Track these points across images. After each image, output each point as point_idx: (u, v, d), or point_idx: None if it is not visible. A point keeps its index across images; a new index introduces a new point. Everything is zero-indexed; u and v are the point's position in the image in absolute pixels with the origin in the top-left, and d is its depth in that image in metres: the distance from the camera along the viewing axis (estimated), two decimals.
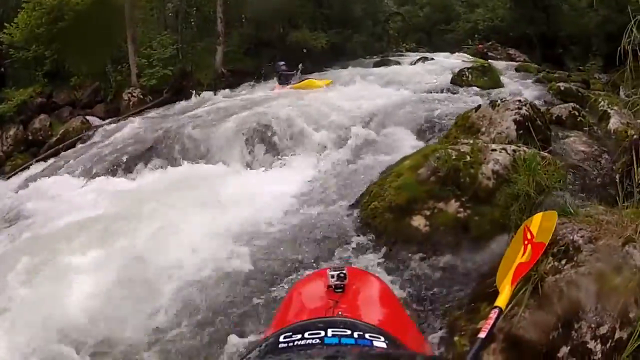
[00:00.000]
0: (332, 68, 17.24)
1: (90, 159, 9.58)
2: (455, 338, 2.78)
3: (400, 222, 4.05)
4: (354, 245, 4.13)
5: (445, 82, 10.11)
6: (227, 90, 14.57)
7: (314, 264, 3.95)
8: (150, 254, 4.30)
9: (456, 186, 4.00)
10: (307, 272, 3.55)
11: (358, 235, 4.25)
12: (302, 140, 7.21)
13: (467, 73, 9.76)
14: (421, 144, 6.23)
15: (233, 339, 3.11)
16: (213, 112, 10.39)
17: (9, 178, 11.87)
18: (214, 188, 5.98)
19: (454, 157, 4.12)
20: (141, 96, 15.41)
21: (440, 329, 3.02)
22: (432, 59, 17.20)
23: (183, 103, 13.71)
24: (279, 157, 7.05)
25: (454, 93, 8.91)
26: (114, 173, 8.37)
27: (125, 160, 8.68)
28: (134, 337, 3.35)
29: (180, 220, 4.92)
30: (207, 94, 14.26)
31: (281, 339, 1.00)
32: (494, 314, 2.13)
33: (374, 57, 20.26)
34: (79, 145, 12.05)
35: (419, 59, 17.48)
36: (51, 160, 11.75)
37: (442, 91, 9.20)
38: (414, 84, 10.44)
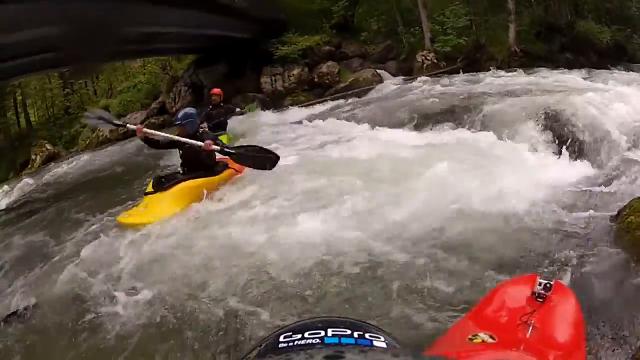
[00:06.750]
0: (615, 68, 15.50)
1: (376, 109, 10.02)
2: None
3: None
4: (594, 255, 3.80)
5: None
6: (520, 70, 13.90)
7: (544, 264, 3.80)
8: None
9: None
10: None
11: (603, 247, 3.92)
12: (595, 138, 6.84)
13: None
14: None
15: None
16: (509, 89, 10.21)
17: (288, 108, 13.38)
18: (497, 159, 6.30)
19: None
20: (435, 60, 15.82)
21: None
22: None
23: (480, 75, 13.45)
24: (563, 148, 6.80)
25: None
26: (398, 127, 8.65)
27: (413, 117, 8.96)
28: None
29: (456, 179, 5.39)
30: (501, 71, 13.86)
31: (281, 338, 0.99)
32: None
33: None
34: (368, 95, 12.75)
35: None
36: (334, 103, 12.71)
37: None
38: None
